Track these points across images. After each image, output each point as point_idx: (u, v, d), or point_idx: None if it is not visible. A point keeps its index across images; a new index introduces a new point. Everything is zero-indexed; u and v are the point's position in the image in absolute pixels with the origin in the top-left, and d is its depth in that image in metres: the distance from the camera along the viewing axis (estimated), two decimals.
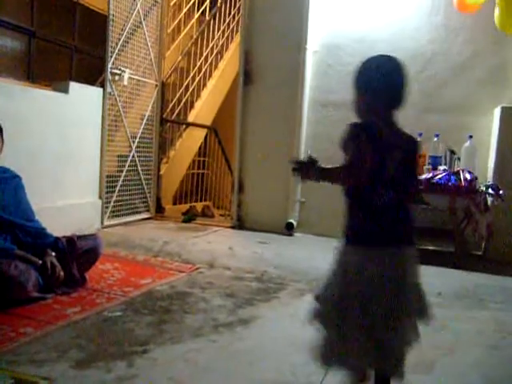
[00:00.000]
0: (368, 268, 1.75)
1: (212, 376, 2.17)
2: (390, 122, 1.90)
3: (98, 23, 6.15)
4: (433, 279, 3.85)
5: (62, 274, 3.07)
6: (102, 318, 2.73)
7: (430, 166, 4.66)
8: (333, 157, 1.79)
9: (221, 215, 6.70)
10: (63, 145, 4.64)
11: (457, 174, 4.39)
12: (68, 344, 2.35)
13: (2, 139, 3.11)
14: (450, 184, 4.33)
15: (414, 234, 1.89)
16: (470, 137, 4.63)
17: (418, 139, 2.06)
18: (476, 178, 4.39)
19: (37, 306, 2.83)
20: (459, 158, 4.67)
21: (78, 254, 3.28)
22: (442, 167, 4.61)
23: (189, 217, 6.04)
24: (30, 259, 2.99)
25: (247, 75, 5.58)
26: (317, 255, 3.54)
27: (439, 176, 4.40)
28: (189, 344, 2.48)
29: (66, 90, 4.66)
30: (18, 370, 2.06)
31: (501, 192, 4.30)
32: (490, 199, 4.41)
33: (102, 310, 2.85)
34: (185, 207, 6.66)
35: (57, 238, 3.24)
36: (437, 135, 4.70)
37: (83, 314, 2.76)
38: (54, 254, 3.12)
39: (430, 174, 4.46)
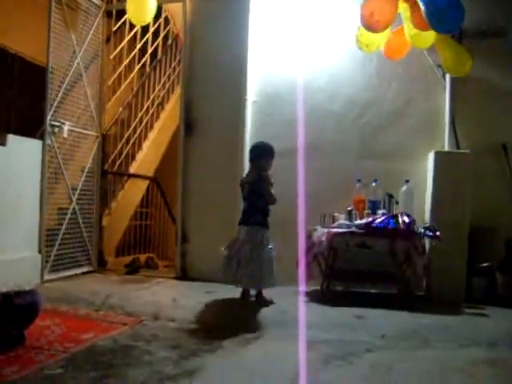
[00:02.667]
0: (238, 234, 4.39)
1: None
2: (252, 169, 4.52)
3: (38, 75, 6.11)
4: (377, 321, 3.91)
5: None
6: (43, 376, 2.63)
7: (370, 211, 4.78)
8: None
9: (165, 266, 6.60)
10: (0, 198, 4.53)
11: (395, 217, 4.51)
12: None
13: None
14: (389, 227, 4.44)
15: (258, 219, 4.35)
16: (407, 181, 4.80)
17: (262, 173, 4.38)
18: (414, 221, 4.52)
19: None
20: (397, 202, 4.81)
21: (16, 310, 3.16)
22: (381, 211, 4.73)
23: (132, 269, 5.94)
24: None
25: (188, 126, 5.62)
26: None
27: (379, 220, 4.51)
28: None
29: (3, 143, 4.58)
30: None
31: (438, 233, 4.43)
32: (427, 241, 4.54)
33: (42, 367, 2.75)
34: (128, 259, 6.53)
35: None
36: (375, 180, 4.84)
37: (22, 373, 2.65)
38: None
39: (370, 218, 4.57)
